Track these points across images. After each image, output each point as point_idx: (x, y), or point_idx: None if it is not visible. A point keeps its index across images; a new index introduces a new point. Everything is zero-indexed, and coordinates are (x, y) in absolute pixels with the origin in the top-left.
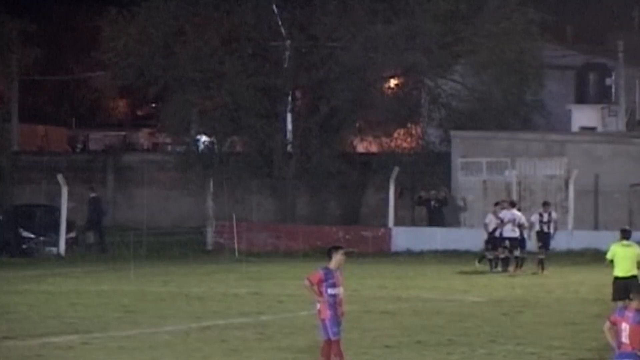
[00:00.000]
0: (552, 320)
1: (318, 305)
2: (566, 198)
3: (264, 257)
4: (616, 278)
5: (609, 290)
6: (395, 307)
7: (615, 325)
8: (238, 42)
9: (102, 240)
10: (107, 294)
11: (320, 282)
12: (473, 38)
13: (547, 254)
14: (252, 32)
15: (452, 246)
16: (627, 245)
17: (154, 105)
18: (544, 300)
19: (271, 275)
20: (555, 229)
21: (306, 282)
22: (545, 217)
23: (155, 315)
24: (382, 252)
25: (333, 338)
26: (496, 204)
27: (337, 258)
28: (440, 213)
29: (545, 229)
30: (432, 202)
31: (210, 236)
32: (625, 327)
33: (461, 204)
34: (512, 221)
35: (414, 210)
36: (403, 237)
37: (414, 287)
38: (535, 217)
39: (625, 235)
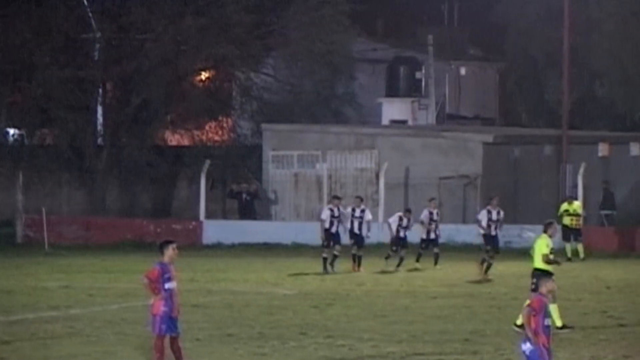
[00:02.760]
0: (362, 312)
1: (152, 300)
2: (377, 191)
3: (74, 250)
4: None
5: (418, 282)
6: (205, 300)
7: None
8: (49, 33)
9: None
10: None
11: (158, 278)
12: (284, 30)
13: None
14: (62, 23)
15: (263, 239)
16: (535, 238)
17: None
18: (354, 292)
19: (81, 268)
20: (369, 229)
21: (145, 280)
22: (358, 213)
23: None
24: (193, 245)
25: (161, 334)
26: (335, 197)
27: (169, 252)
28: (252, 206)
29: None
30: (244, 195)
31: (19, 229)
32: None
33: (272, 197)
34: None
35: (225, 203)
36: (214, 230)
37: (225, 280)
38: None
39: (543, 228)
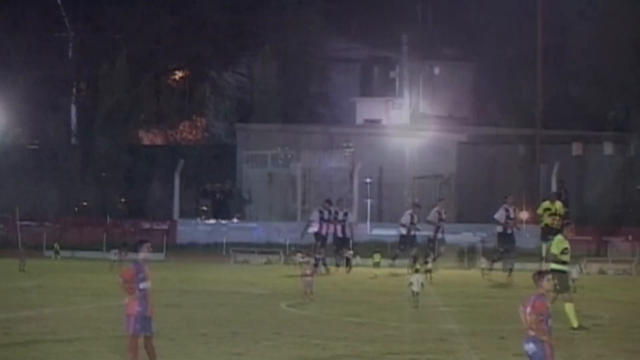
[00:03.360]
0: (337, 312)
1: (126, 300)
2: (351, 190)
3: (48, 250)
4: None
5: (392, 282)
6: (180, 300)
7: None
8: (22, 34)
9: None
10: None
11: (133, 278)
12: (258, 29)
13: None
14: (36, 23)
15: (237, 238)
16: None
17: None
18: (329, 292)
19: (55, 268)
20: (351, 230)
21: (120, 280)
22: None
23: None
24: (168, 244)
25: (135, 334)
26: (327, 201)
27: (145, 252)
28: (226, 205)
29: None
30: (218, 195)
31: None
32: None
33: (246, 196)
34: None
35: (199, 202)
36: (188, 230)
37: (199, 280)
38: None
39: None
